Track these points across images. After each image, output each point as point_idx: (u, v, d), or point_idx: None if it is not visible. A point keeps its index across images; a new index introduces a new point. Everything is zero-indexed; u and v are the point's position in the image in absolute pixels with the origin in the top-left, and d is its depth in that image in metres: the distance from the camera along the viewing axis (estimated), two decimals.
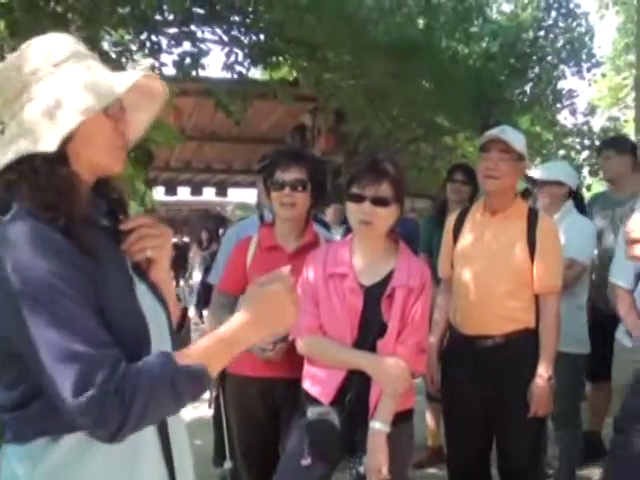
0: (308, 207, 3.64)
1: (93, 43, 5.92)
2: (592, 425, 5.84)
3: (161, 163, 16.87)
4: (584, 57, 15.68)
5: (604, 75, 18.60)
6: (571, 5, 15.52)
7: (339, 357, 3.10)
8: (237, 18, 7.99)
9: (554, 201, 4.91)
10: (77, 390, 1.47)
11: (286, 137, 15.37)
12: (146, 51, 7.25)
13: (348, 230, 3.61)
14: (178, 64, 7.47)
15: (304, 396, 3.19)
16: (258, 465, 3.75)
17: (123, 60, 6.73)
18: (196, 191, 21.70)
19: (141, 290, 1.81)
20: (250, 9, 7.97)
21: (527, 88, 15.40)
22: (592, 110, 18.92)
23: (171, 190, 21.12)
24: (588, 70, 15.92)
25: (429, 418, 5.86)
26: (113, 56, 6.66)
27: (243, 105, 8.17)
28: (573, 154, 16.69)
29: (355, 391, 3.03)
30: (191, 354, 1.66)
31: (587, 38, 15.92)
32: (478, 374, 3.70)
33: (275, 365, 3.42)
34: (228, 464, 4.65)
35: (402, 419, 3.10)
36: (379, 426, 2.94)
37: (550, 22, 15.45)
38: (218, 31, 7.91)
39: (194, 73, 7.60)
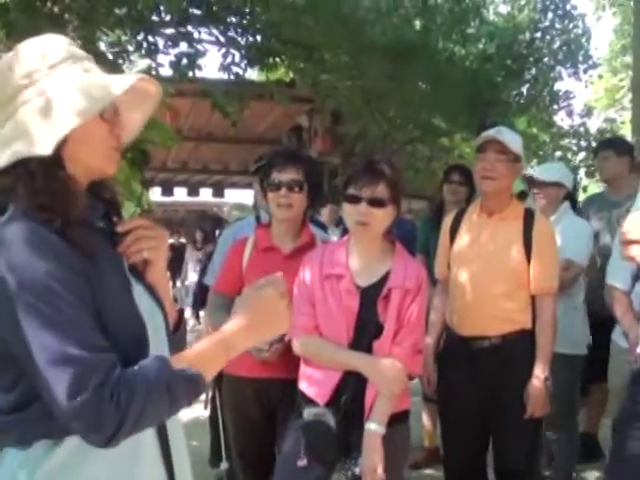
0: (305, 208, 3.64)
1: (90, 44, 5.92)
2: (588, 426, 5.85)
3: (158, 164, 16.88)
4: (581, 58, 15.71)
5: (601, 76, 18.66)
6: (568, 7, 15.54)
7: (335, 358, 3.10)
8: (234, 19, 7.99)
9: (551, 202, 4.91)
10: (71, 394, 1.47)
11: (283, 138, 15.36)
12: (143, 52, 7.24)
13: (345, 231, 3.61)
14: (175, 65, 7.47)
15: (300, 397, 3.19)
16: (254, 466, 3.76)
17: (120, 61, 6.72)
18: (193, 192, 21.69)
19: (138, 291, 1.80)
20: (247, 10, 7.97)
21: (524, 89, 15.41)
22: (589, 111, 18.97)
23: (168, 191, 21.12)
24: (585, 72, 15.95)
25: (425, 419, 5.86)
26: (110, 57, 6.66)
27: (240, 106, 8.17)
28: (570, 155, 16.72)
29: (351, 392, 3.03)
30: (187, 358, 1.66)
31: (584, 40, 15.95)
32: (474, 375, 3.70)
33: (271, 366, 3.41)
34: (224, 465, 4.66)
35: (398, 420, 3.10)
36: (375, 427, 2.94)
37: (547, 24, 15.48)
38: (215, 32, 7.91)
39: (191, 74, 7.60)
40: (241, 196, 23.96)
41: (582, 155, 16.48)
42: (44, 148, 1.59)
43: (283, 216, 3.57)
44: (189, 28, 7.69)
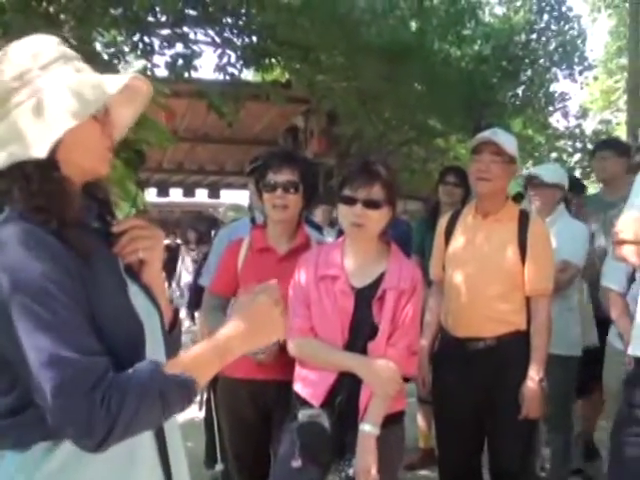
0: (300, 209, 3.64)
1: (85, 44, 5.92)
2: (584, 427, 5.85)
3: (153, 164, 16.87)
4: (576, 60, 15.75)
5: (596, 78, 18.68)
6: (563, 8, 15.59)
7: (330, 359, 3.10)
8: (229, 20, 7.99)
9: (549, 203, 4.92)
10: (62, 397, 1.47)
11: (278, 139, 15.38)
12: (138, 52, 7.24)
13: (340, 232, 3.61)
14: (170, 65, 7.47)
15: (295, 398, 3.19)
16: (249, 467, 3.75)
17: (115, 61, 6.72)
18: (188, 193, 21.70)
19: (133, 291, 1.80)
20: (243, 11, 7.96)
21: (519, 91, 15.45)
22: (584, 113, 19.01)
23: (163, 191, 21.12)
24: (580, 73, 15.99)
25: (420, 420, 5.86)
26: (105, 57, 6.65)
27: (235, 107, 8.17)
28: (565, 157, 16.74)
29: (346, 393, 3.02)
30: (182, 362, 1.66)
31: (579, 41, 15.99)
32: (469, 376, 3.70)
33: (267, 367, 3.41)
34: (219, 466, 4.65)
35: (393, 421, 3.10)
36: (369, 428, 2.93)
37: (542, 25, 15.52)
38: (210, 33, 7.91)
39: (186, 75, 7.60)
40: (237, 197, 23.95)
41: (577, 156, 16.50)
42: (39, 151, 1.58)
43: (278, 217, 3.57)
44: (185, 29, 7.69)
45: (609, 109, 24.93)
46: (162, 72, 7.58)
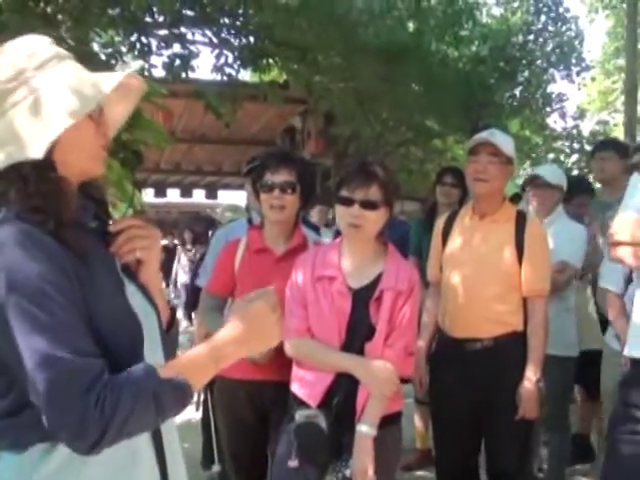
0: (297, 210, 3.64)
1: (83, 44, 5.91)
2: (580, 428, 5.86)
3: (151, 165, 16.88)
4: (574, 61, 15.76)
5: (593, 79, 18.71)
6: (561, 9, 15.59)
7: (327, 360, 3.09)
8: (227, 20, 8.00)
9: (548, 204, 4.93)
10: (57, 398, 1.47)
11: (276, 139, 15.38)
12: (136, 53, 7.24)
13: (338, 233, 3.60)
14: (168, 66, 7.48)
15: (292, 399, 3.18)
16: (247, 468, 3.75)
17: (113, 62, 6.72)
18: (186, 193, 21.70)
19: (131, 291, 1.80)
20: (240, 11, 7.96)
21: (517, 92, 15.45)
22: (581, 114, 19.03)
23: (161, 192, 21.12)
24: (578, 74, 16.00)
25: (417, 421, 5.87)
26: (103, 58, 6.65)
27: (233, 107, 8.17)
28: (562, 157, 16.75)
29: (343, 394, 3.02)
30: (178, 365, 1.66)
31: (577, 42, 16.00)
32: (466, 377, 3.70)
33: (264, 368, 3.41)
34: (216, 467, 4.66)
35: (390, 422, 3.09)
36: (366, 429, 2.93)
37: (540, 26, 15.53)
38: (208, 33, 7.92)
39: (184, 75, 7.60)
40: (234, 197, 23.96)
41: (575, 157, 16.51)
42: (36, 151, 1.58)
43: (276, 218, 3.57)
44: (182, 29, 7.70)
45: (606, 110, 24.95)
46: (159, 72, 7.58)
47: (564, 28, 15.67)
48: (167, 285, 15.67)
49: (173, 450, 1.86)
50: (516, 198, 6.35)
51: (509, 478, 3.77)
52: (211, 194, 21.30)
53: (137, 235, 1.86)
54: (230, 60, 8.08)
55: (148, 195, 22.32)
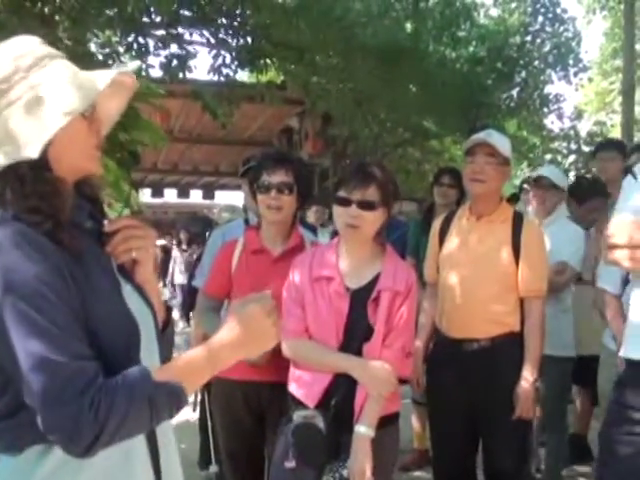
0: (294, 210, 3.63)
1: (80, 45, 5.91)
2: (578, 428, 5.87)
3: (148, 165, 16.89)
4: (571, 62, 15.74)
5: (591, 80, 18.70)
6: (558, 10, 15.58)
7: (324, 361, 3.09)
8: (224, 21, 8.00)
9: (549, 205, 4.95)
10: (52, 401, 1.47)
11: (273, 140, 15.38)
12: (133, 53, 7.25)
13: (335, 233, 3.60)
14: (165, 66, 7.48)
15: (290, 399, 3.18)
16: (243, 468, 3.74)
17: (110, 62, 6.72)
18: (183, 193, 21.70)
19: (127, 291, 1.80)
20: (237, 12, 7.96)
21: (514, 92, 15.44)
22: (579, 115, 18.99)
23: (158, 192, 21.14)
24: (575, 75, 15.98)
25: (415, 421, 5.87)
26: (100, 58, 6.65)
27: (230, 108, 8.17)
28: (560, 158, 16.74)
29: (341, 394, 3.01)
30: (175, 367, 1.66)
31: (574, 43, 15.99)
32: (464, 377, 3.70)
33: (261, 369, 3.40)
34: (214, 467, 4.65)
35: (388, 422, 3.09)
36: (364, 430, 2.93)
37: (537, 27, 15.52)
38: (205, 33, 7.92)
39: (181, 75, 7.60)
40: (232, 198, 23.96)
41: (572, 158, 16.51)
42: (32, 151, 1.57)
43: (273, 218, 3.57)
44: (180, 29, 7.70)
45: (604, 110, 24.95)
46: (157, 73, 7.58)
47: (561, 29, 15.65)
48: (164, 285, 15.69)
49: (169, 451, 1.86)
50: (514, 199, 6.35)
51: (506, 478, 3.77)
52: (208, 194, 21.31)
53: (133, 235, 1.86)
54: (227, 60, 8.09)
55: (145, 195, 22.34)
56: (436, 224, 4.09)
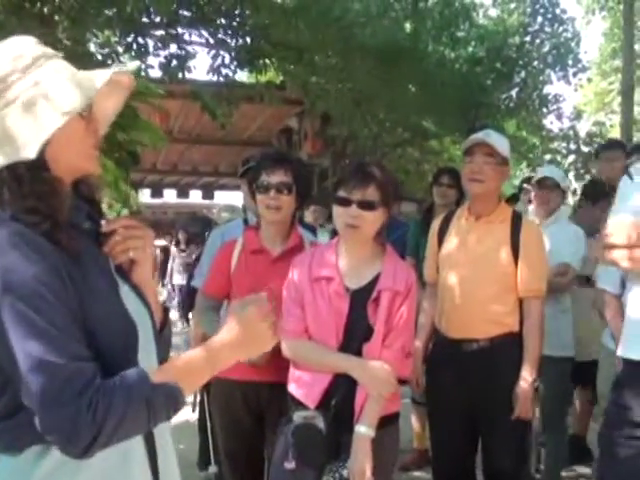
0: (293, 210, 3.63)
1: (79, 45, 5.91)
2: (578, 429, 5.87)
3: (147, 165, 16.88)
4: (570, 62, 15.73)
5: (590, 80, 18.69)
6: (557, 10, 15.57)
7: (324, 361, 3.08)
8: (223, 21, 8.00)
9: (551, 206, 4.97)
10: (50, 403, 1.47)
11: (273, 140, 15.38)
12: (133, 53, 7.24)
13: (335, 233, 3.59)
14: (164, 66, 7.48)
15: (290, 399, 3.18)
16: (243, 469, 3.74)
17: (109, 62, 6.72)
18: (182, 194, 21.70)
19: (124, 291, 1.80)
20: (236, 12, 7.96)
21: (513, 93, 15.43)
22: (578, 115, 18.99)
23: (157, 193, 21.13)
24: (574, 75, 15.97)
25: (415, 421, 5.87)
26: (99, 58, 6.65)
27: (229, 108, 8.17)
28: (559, 158, 16.73)
29: (341, 395, 3.00)
30: (173, 369, 1.67)
31: (573, 43, 15.98)
32: (463, 377, 3.70)
33: (261, 369, 3.40)
34: (213, 468, 4.65)
35: (388, 423, 3.09)
36: (364, 430, 2.93)
37: (536, 27, 15.51)
38: (204, 34, 7.92)
39: (180, 75, 7.60)
40: (231, 198, 23.96)
41: (571, 158, 16.49)
42: (30, 151, 1.57)
43: (272, 218, 3.57)
44: (179, 30, 7.70)
45: (603, 111, 24.95)
46: (156, 73, 7.58)
47: (561, 29, 15.64)
48: (163, 285, 15.69)
49: (167, 452, 1.86)
50: (513, 199, 6.35)
51: (506, 478, 3.77)
52: (208, 195, 21.30)
53: (130, 235, 1.86)
54: (227, 61, 8.09)
55: (145, 196, 22.34)
56: (435, 224, 4.09)
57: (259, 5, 7.60)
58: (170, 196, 22.60)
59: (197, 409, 5.14)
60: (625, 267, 2.72)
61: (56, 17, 6.21)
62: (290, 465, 2.97)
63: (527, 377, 3.62)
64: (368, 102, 11.25)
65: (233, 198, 23.39)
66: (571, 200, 9.05)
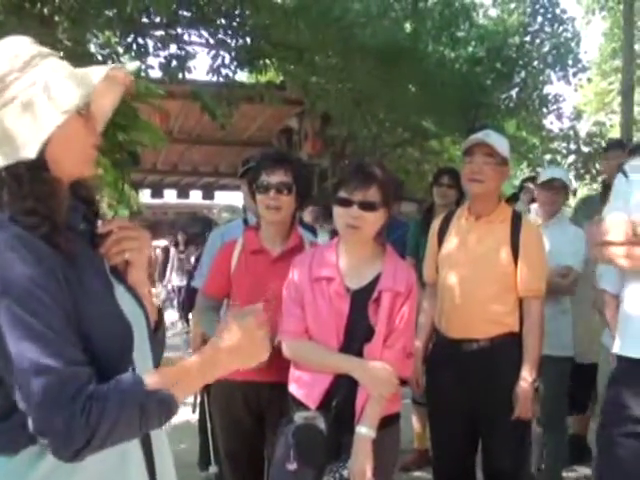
0: (293, 210, 3.63)
1: (80, 45, 5.91)
2: (578, 429, 5.86)
3: (147, 166, 16.86)
4: (570, 62, 15.70)
5: (590, 80, 18.65)
6: (557, 10, 15.54)
7: (325, 362, 3.08)
8: (223, 21, 8.00)
9: (557, 206, 4.98)
10: (44, 406, 1.47)
11: (273, 140, 15.37)
12: (132, 53, 7.25)
13: (334, 233, 3.60)
14: (164, 67, 7.48)
15: (290, 400, 3.18)
16: (243, 469, 3.74)
17: (109, 62, 6.72)
18: (183, 194, 21.67)
19: (119, 292, 1.80)
20: (236, 12, 7.96)
21: (513, 93, 15.40)
22: (578, 115, 18.96)
23: (157, 193, 21.10)
24: (574, 75, 15.94)
25: (415, 421, 5.87)
26: (100, 58, 6.65)
27: (229, 109, 8.16)
28: (559, 158, 16.71)
29: (342, 395, 3.00)
30: (171, 372, 1.67)
31: (573, 43, 15.94)
32: (463, 377, 3.70)
33: (261, 369, 3.39)
34: (213, 468, 4.65)
35: (388, 423, 3.09)
36: (365, 431, 2.92)
37: (536, 27, 15.48)
38: (204, 34, 7.92)
39: (180, 76, 7.60)
40: (231, 198, 23.95)
41: (571, 158, 16.48)
42: (30, 151, 1.57)
43: (272, 218, 3.57)
44: (179, 30, 7.70)
45: (603, 111, 24.93)
46: (156, 73, 7.59)
47: (561, 29, 15.60)
48: (164, 285, 15.69)
49: (163, 453, 1.86)
50: (513, 198, 6.36)
51: (506, 478, 3.77)
52: (208, 195, 21.28)
53: (126, 236, 1.86)
54: (227, 61, 8.09)
55: (145, 196, 22.32)
56: (435, 224, 4.09)
57: (259, 5, 7.59)
58: (170, 196, 22.59)
59: (197, 410, 5.14)
60: (622, 265, 2.73)
61: (56, 17, 6.21)
62: (292, 466, 2.97)
63: (527, 377, 3.62)
64: (368, 102, 11.24)
65: (233, 198, 23.39)
66: (571, 201, 9.04)
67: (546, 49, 15.44)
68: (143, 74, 6.89)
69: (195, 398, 4.97)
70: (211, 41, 7.98)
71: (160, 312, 2.08)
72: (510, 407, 3.62)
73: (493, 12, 17.09)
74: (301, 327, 3.13)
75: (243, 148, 15.06)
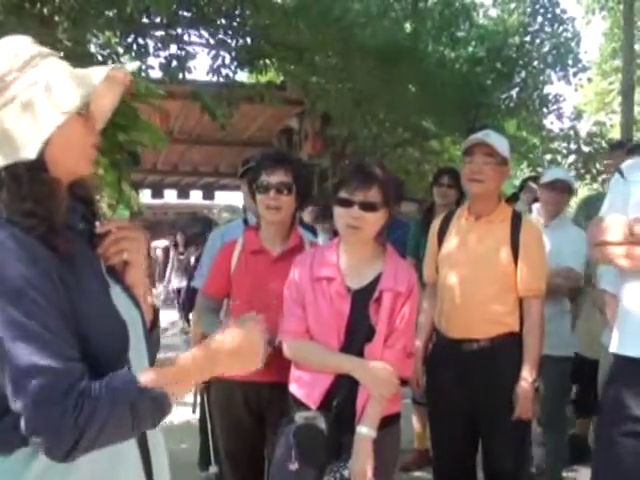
0: (293, 210, 3.63)
1: (80, 45, 5.91)
2: (578, 428, 5.87)
3: (148, 166, 16.86)
4: (570, 62, 15.69)
5: (590, 80, 18.65)
6: (557, 10, 15.53)
7: (325, 362, 3.08)
8: (224, 21, 8.00)
9: (560, 207, 4.98)
10: (36, 405, 1.47)
11: (273, 140, 15.37)
12: (133, 54, 7.25)
13: (335, 233, 3.60)
14: (165, 67, 7.48)
15: (291, 400, 3.18)
16: (244, 469, 3.74)
17: (109, 63, 6.72)
18: (183, 194, 21.67)
19: (116, 292, 1.80)
20: (237, 12, 7.96)
21: (513, 93, 15.39)
22: (578, 115, 18.96)
23: (158, 193, 21.09)
24: (574, 75, 15.93)
25: (415, 421, 5.87)
26: (100, 58, 6.66)
27: (229, 109, 8.17)
28: (559, 158, 16.71)
29: (342, 395, 3.00)
30: (169, 371, 1.66)
31: (573, 43, 15.94)
32: (463, 377, 3.70)
33: (261, 369, 3.39)
34: (213, 468, 4.65)
35: (389, 423, 3.09)
36: (366, 431, 2.92)
37: (536, 27, 15.47)
38: (205, 34, 7.92)
39: (181, 76, 7.60)
40: (232, 198, 23.94)
41: (571, 158, 16.48)
42: (30, 152, 1.57)
43: (272, 218, 3.57)
44: (179, 30, 7.70)
45: (603, 111, 24.92)
46: (156, 73, 7.59)
47: (561, 29, 15.59)
48: (164, 286, 15.69)
49: (159, 453, 1.87)
50: (514, 198, 6.36)
51: (506, 478, 3.78)
52: (208, 195, 21.28)
53: (124, 237, 1.86)
54: (227, 61, 8.09)
55: (145, 196, 22.31)
56: (435, 224, 4.09)
57: (259, 5, 7.59)
58: (171, 197, 22.57)
59: (197, 410, 5.14)
60: (621, 265, 2.73)
61: (56, 18, 6.21)
62: (294, 466, 2.97)
63: (527, 377, 3.62)
64: (368, 102, 11.24)
65: (233, 198, 23.39)
66: (572, 201, 9.04)
67: (546, 49, 15.43)
68: (143, 74, 6.90)
69: (195, 398, 4.98)
70: (211, 41, 7.98)
71: (155, 312, 2.08)
72: (510, 407, 3.62)
73: (493, 12, 17.09)
74: (302, 327, 3.13)
75: (243, 148, 15.05)
